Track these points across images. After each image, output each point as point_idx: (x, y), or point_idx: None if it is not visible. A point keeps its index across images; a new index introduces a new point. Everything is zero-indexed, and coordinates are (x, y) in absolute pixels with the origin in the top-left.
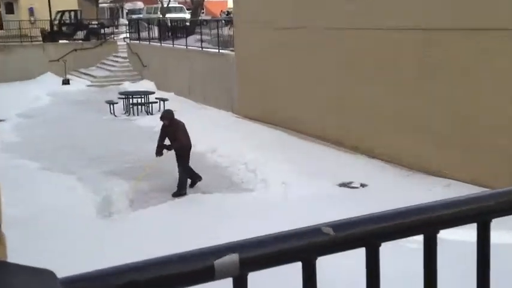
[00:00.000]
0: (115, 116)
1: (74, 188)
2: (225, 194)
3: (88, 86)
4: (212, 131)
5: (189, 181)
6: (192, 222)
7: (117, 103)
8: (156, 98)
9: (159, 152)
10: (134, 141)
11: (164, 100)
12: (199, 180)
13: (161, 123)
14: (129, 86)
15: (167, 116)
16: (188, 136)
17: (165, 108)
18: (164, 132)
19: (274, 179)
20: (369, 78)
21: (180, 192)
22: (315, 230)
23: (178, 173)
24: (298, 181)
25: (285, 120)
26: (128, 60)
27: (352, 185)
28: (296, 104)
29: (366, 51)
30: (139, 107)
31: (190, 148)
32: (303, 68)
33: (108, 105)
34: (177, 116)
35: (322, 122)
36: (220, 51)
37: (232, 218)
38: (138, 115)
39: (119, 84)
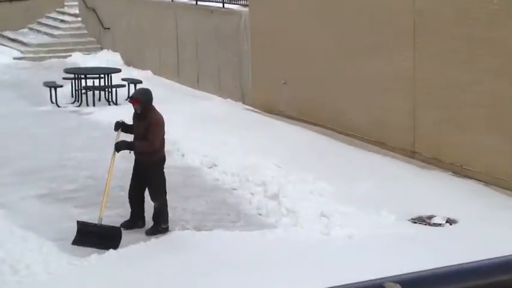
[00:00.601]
0: (58, 106)
1: None
2: (230, 232)
3: (16, 58)
4: (211, 134)
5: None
6: (176, 278)
7: (61, 86)
8: (123, 80)
9: (117, 126)
10: (88, 147)
11: (136, 82)
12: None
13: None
14: (81, 60)
15: (142, 99)
16: (164, 141)
17: (140, 88)
18: (133, 124)
19: (308, 209)
20: (456, 48)
21: (158, 227)
22: (375, 287)
23: (151, 199)
24: (345, 213)
25: (326, 116)
26: (79, 19)
27: (434, 220)
28: (343, 90)
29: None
30: (97, 92)
31: (164, 160)
32: (354, 34)
33: (47, 89)
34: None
35: (382, 119)
36: (226, 6)
37: (243, 270)
38: (94, 105)
39: (66, 57)
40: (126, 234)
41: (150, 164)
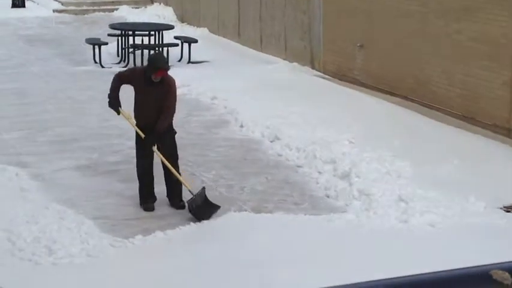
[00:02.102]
0: (102, 66)
1: (25, 192)
2: (293, 216)
3: (56, 11)
4: (274, 102)
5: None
6: (228, 267)
7: (106, 44)
8: (175, 38)
9: (114, 104)
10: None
11: (190, 41)
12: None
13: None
14: (129, 15)
15: (167, 65)
16: None
17: (156, 52)
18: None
19: (384, 192)
20: None
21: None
22: (481, 275)
23: (174, 167)
24: (427, 197)
25: (406, 86)
26: None
27: None
28: (426, 57)
29: None
30: (146, 52)
31: None
32: None
33: (90, 47)
34: (213, 75)
35: (472, 91)
36: None
37: (305, 260)
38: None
39: (112, 11)
40: (172, 216)
41: (168, 129)
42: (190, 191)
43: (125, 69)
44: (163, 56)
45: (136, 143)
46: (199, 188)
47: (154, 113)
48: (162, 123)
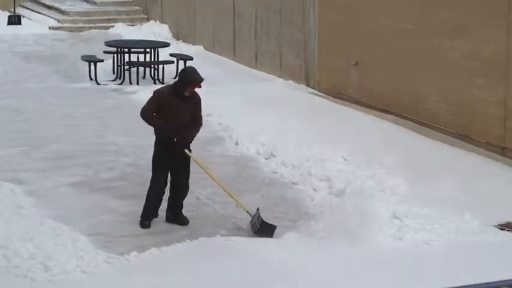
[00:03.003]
0: (97, 83)
1: (20, 208)
2: (289, 233)
3: (52, 28)
4: (269, 119)
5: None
6: (229, 286)
7: (101, 61)
8: (171, 55)
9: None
10: (130, 131)
11: (186, 59)
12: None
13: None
14: (125, 32)
15: (202, 77)
16: None
17: (187, 67)
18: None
19: (379, 209)
20: None
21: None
22: None
23: (187, 185)
24: (422, 215)
25: (401, 103)
26: None
27: None
28: (421, 75)
29: None
30: (142, 69)
31: None
32: (436, 11)
33: (86, 64)
34: (208, 92)
35: (466, 109)
36: None
37: (298, 278)
38: (138, 84)
39: (108, 29)
40: (168, 233)
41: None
42: (249, 213)
43: (148, 101)
44: (195, 69)
45: (156, 159)
46: (254, 210)
47: (185, 127)
48: (193, 136)
